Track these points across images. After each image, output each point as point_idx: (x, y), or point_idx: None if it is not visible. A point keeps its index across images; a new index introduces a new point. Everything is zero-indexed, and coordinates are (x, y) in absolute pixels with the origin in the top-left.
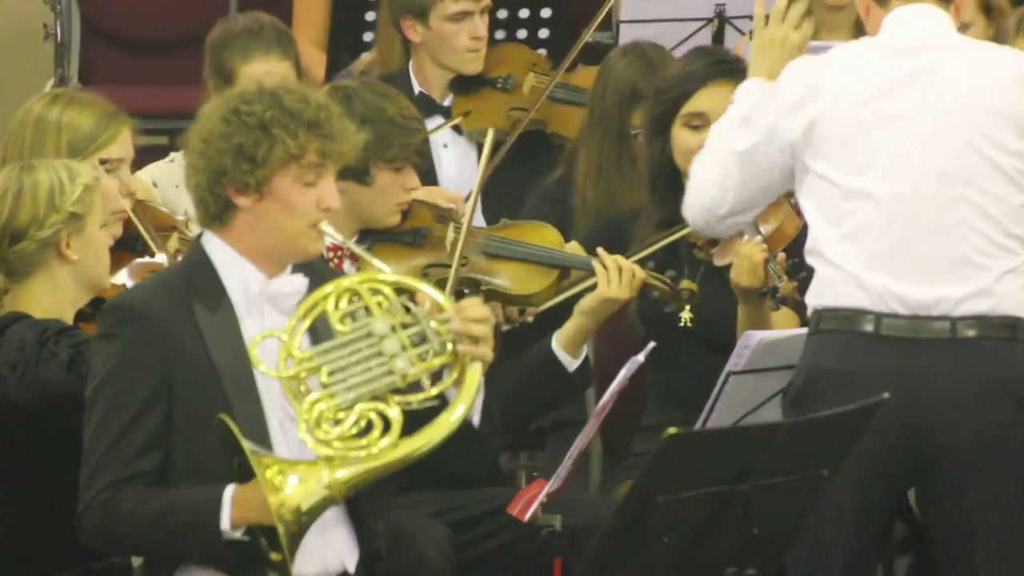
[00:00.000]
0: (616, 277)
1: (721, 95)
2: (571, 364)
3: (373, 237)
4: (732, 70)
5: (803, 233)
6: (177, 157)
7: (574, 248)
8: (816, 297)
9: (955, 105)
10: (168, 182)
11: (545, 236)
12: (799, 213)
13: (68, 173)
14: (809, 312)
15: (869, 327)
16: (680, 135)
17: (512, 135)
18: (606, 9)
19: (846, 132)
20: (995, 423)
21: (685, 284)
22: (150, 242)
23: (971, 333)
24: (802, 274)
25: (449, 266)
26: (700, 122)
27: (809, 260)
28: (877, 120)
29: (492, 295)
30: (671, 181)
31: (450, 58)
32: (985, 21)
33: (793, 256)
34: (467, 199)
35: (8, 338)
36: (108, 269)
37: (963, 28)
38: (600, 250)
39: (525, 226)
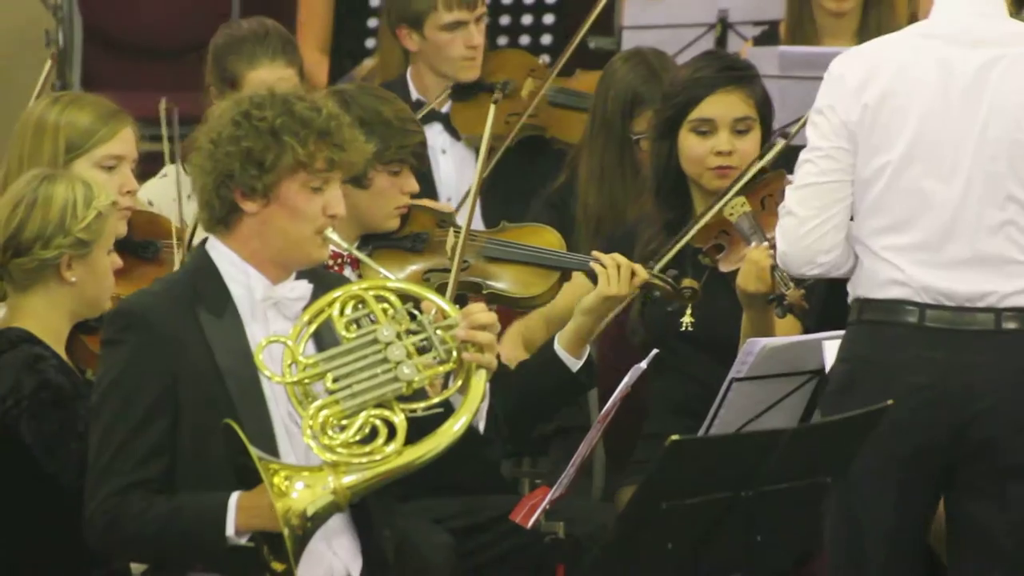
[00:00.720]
0: (615, 275)
1: (729, 102)
2: (574, 364)
3: (373, 242)
4: (742, 77)
5: None
6: (170, 171)
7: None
8: (858, 287)
9: (1007, 104)
10: (165, 199)
11: (545, 238)
12: None
13: (84, 194)
14: (849, 300)
15: (913, 318)
16: (687, 141)
17: (510, 138)
18: (599, 9)
19: (895, 124)
20: None
21: (687, 282)
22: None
23: (1014, 325)
24: (808, 282)
25: (447, 271)
26: (707, 128)
27: (853, 244)
28: (928, 114)
29: (493, 298)
30: (677, 185)
31: (446, 66)
32: None
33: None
34: (464, 200)
35: (7, 363)
36: (110, 293)
37: None
38: (596, 252)
39: (525, 228)
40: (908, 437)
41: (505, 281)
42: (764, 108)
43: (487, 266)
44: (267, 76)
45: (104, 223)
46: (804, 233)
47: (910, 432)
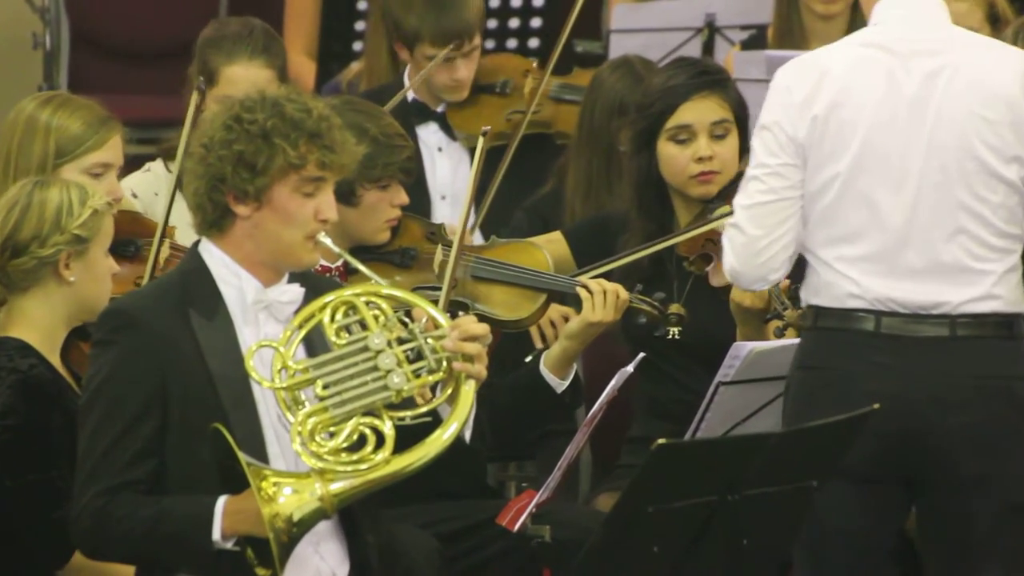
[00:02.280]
0: (601, 301)
1: (705, 107)
2: (559, 385)
3: (361, 256)
4: (715, 82)
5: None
6: (153, 166)
7: (556, 238)
8: (813, 295)
9: (954, 112)
10: (148, 191)
11: (534, 256)
12: None
13: (79, 195)
14: (803, 305)
15: (868, 326)
16: (666, 149)
17: (514, 137)
18: (578, 8)
19: (844, 135)
20: (990, 422)
21: (674, 308)
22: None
23: (969, 332)
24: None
25: (436, 288)
26: (685, 135)
27: (804, 254)
28: (875, 125)
29: (480, 319)
30: (658, 194)
31: (431, 87)
32: (991, 31)
33: (797, 282)
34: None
35: (3, 382)
36: (108, 295)
37: None
38: (583, 278)
39: (513, 246)
40: (867, 444)
41: (492, 302)
42: (740, 110)
43: (474, 286)
44: (242, 73)
45: (101, 220)
46: (757, 252)
47: (869, 439)
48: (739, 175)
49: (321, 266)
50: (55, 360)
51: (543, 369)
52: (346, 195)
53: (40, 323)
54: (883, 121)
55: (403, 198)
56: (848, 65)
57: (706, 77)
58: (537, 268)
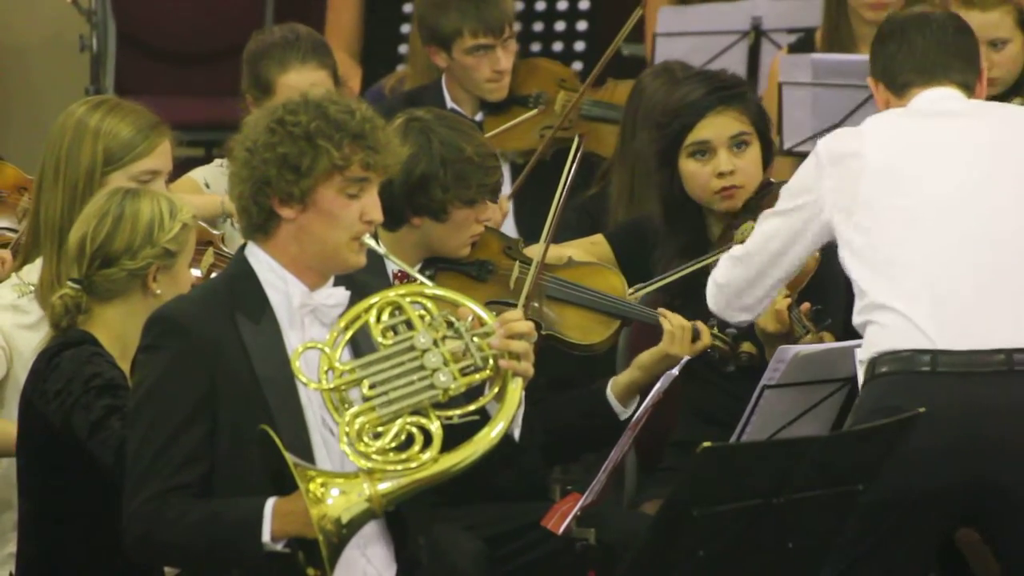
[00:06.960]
0: (680, 335)
1: (722, 122)
2: (622, 413)
3: (437, 265)
4: (731, 96)
5: (820, 271)
6: (226, 163)
7: (599, 240)
8: (871, 346)
9: (997, 152)
10: (220, 186)
11: (610, 281)
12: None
13: (170, 208)
14: (861, 367)
15: (926, 367)
16: (687, 166)
17: (542, 150)
18: (623, 38)
19: (891, 182)
20: None
21: (746, 347)
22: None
23: None
24: (827, 321)
25: (511, 304)
26: (705, 150)
27: (864, 318)
28: (921, 167)
29: (552, 340)
30: (686, 209)
31: (472, 87)
32: (1023, 38)
33: (816, 303)
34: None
35: (65, 360)
36: None
37: (1001, 44)
38: (662, 309)
39: (590, 268)
40: (928, 482)
41: (566, 325)
42: (760, 121)
43: (549, 306)
44: (298, 79)
45: (189, 234)
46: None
47: (930, 478)
48: (764, 185)
49: (399, 272)
50: (124, 367)
51: (609, 394)
52: (436, 212)
53: (117, 330)
54: (927, 166)
55: (489, 214)
56: (882, 125)
57: (722, 92)
58: (612, 294)
